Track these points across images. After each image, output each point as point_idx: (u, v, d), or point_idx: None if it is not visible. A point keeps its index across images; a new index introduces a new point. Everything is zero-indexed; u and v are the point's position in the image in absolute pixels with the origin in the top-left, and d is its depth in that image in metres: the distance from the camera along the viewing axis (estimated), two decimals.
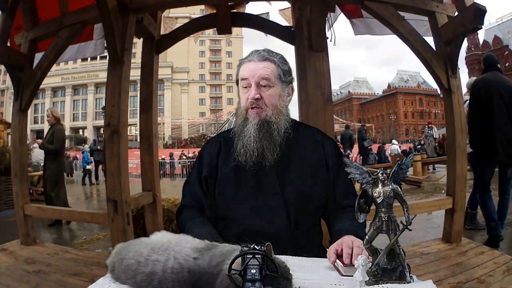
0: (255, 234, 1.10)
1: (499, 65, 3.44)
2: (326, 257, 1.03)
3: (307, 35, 2.51)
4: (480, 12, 2.17)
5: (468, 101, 3.62)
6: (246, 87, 1.19)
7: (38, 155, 8.02)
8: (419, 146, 15.01)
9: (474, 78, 3.99)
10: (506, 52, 48.86)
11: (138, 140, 3.47)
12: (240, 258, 0.66)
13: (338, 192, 1.23)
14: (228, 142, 1.26)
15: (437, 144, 13.31)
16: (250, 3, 3.30)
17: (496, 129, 3.08)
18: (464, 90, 3.78)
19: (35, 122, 53.14)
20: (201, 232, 1.07)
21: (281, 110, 1.20)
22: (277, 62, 1.20)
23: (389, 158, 13.86)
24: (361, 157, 13.23)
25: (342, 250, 0.95)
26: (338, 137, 13.42)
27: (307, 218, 1.19)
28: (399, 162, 0.84)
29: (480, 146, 3.24)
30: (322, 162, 1.23)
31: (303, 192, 1.17)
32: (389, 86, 72.08)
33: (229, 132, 1.29)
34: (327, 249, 1.06)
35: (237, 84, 1.26)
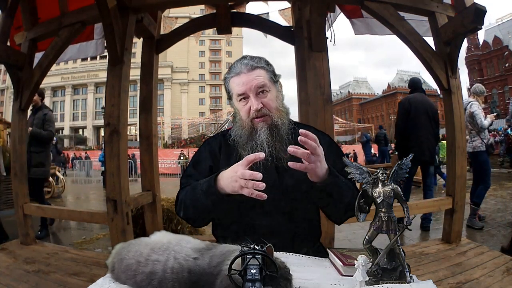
0: (254, 227, 1.12)
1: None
2: (325, 256, 1.04)
3: (307, 35, 2.51)
4: (480, 12, 2.17)
5: (471, 103, 4.07)
6: (244, 99, 1.19)
7: None
8: None
9: (479, 84, 4.39)
10: (506, 52, 48.87)
11: (138, 140, 3.47)
12: (240, 258, 0.66)
13: None
14: (228, 141, 1.27)
15: None
16: (250, 3, 3.31)
17: (423, 137, 3.89)
18: (465, 95, 3.99)
19: None
20: (202, 182, 1.11)
21: (282, 110, 1.22)
22: (265, 67, 1.21)
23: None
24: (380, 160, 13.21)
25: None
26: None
27: (306, 213, 1.20)
28: (399, 162, 0.84)
29: (408, 149, 3.89)
30: None
31: (301, 186, 1.17)
32: (388, 86, 72.03)
33: (227, 132, 1.30)
34: (327, 249, 1.07)
35: (229, 98, 1.27)
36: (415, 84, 4.36)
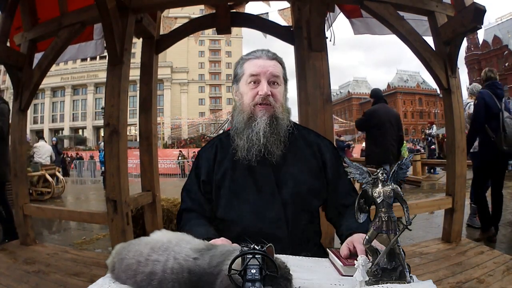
0: (253, 234, 1.10)
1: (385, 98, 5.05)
2: (325, 257, 1.03)
3: (307, 35, 2.51)
4: (479, 12, 2.17)
5: (470, 104, 4.11)
6: (254, 83, 1.19)
7: (42, 154, 8.00)
8: (433, 147, 13.15)
9: (477, 84, 4.45)
10: (506, 52, 48.88)
11: (138, 140, 3.46)
12: (240, 258, 0.66)
13: (339, 192, 1.24)
14: (224, 144, 1.27)
15: (435, 143, 13.00)
16: (250, 3, 3.30)
17: (387, 143, 4.49)
18: (465, 94, 4.07)
19: (35, 122, 53.20)
20: (200, 231, 1.07)
21: (285, 107, 1.23)
22: (282, 63, 1.25)
23: None
24: None
25: (354, 247, 0.95)
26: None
27: (305, 218, 1.19)
28: (399, 162, 0.84)
29: (375, 153, 4.60)
30: (318, 162, 1.24)
31: (299, 192, 1.17)
32: (388, 86, 72.02)
33: (226, 133, 1.30)
34: (327, 249, 1.07)
35: (236, 80, 1.26)
36: (377, 95, 4.89)
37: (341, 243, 1.04)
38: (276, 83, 1.20)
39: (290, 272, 0.72)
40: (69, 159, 23.34)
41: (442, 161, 8.58)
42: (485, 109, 3.40)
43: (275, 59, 1.22)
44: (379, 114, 4.54)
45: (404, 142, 6.22)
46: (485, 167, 3.51)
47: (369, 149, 4.78)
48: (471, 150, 4.07)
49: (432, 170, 11.07)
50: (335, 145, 1.46)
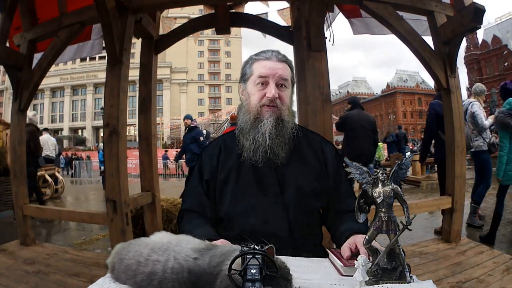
0: (255, 234, 1.10)
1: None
2: (326, 257, 1.03)
3: (306, 35, 2.50)
4: (479, 12, 2.18)
5: (472, 103, 4.20)
6: (262, 84, 1.20)
7: (49, 146, 7.91)
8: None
9: (480, 84, 4.59)
10: (505, 51, 48.92)
11: (137, 140, 3.46)
12: (240, 258, 0.66)
13: (339, 197, 1.24)
14: (228, 144, 1.27)
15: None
16: (249, 3, 3.30)
17: (358, 145, 4.94)
18: (465, 94, 4.17)
19: None
20: (200, 233, 1.07)
21: (291, 110, 1.23)
22: (291, 66, 1.25)
23: None
24: None
25: (356, 247, 0.95)
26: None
27: (307, 219, 1.19)
28: (399, 162, 0.84)
29: (348, 153, 4.98)
30: (321, 165, 1.25)
31: (302, 193, 1.18)
32: (388, 85, 72.07)
33: (229, 134, 1.30)
34: (327, 249, 1.06)
35: (244, 80, 1.26)
36: (353, 102, 5.46)
37: (336, 246, 1.04)
38: (284, 86, 1.20)
39: (290, 272, 0.72)
40: (75, 159, 23.34)
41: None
42: (436, 119, 3.79)
43: (284, 62, 1.22)
44: (352, 120, 5.08)
45: (379, 144, 6.59)
46: (442, 165, 3.61)
47: (343, 148, 5.31)
48: (473, 150, 4.10)
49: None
50: None
